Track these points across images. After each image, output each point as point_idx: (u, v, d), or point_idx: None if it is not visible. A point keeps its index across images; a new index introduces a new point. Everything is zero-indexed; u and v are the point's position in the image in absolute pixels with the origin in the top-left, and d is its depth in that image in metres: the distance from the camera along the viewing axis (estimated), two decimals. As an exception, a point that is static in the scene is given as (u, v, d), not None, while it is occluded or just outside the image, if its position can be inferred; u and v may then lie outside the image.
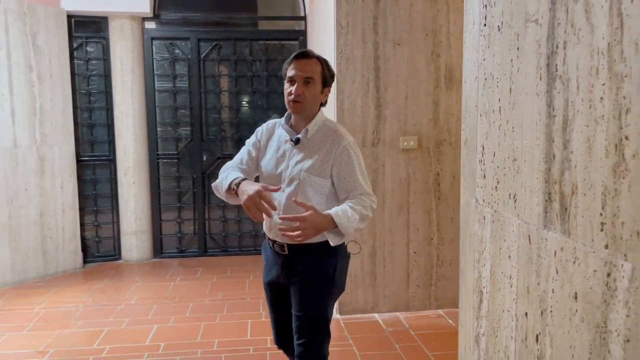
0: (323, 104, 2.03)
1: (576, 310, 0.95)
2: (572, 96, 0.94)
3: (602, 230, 0.87)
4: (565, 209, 0.97)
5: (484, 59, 1.30)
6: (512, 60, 1.16)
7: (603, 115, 0.86)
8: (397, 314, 3.69)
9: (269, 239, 2.05)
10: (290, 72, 1.93)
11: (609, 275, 0.85)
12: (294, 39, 5.19)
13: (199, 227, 5.23)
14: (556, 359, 1.02)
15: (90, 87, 4.94)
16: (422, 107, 3.61)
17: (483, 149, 1.33)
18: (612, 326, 0.85)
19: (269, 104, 5.23)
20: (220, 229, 5.28)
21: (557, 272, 1.00)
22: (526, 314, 1.13)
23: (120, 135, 4.93)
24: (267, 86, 5.20)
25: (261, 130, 2.11)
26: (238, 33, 5.19)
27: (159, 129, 5.12)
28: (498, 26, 1.22)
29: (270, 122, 2.12)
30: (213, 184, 2.05)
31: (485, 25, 1.29)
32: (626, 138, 0.81)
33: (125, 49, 4.84)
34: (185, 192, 5.22)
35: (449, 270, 3.72)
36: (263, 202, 1.77)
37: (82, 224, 4.91)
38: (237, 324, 3.48)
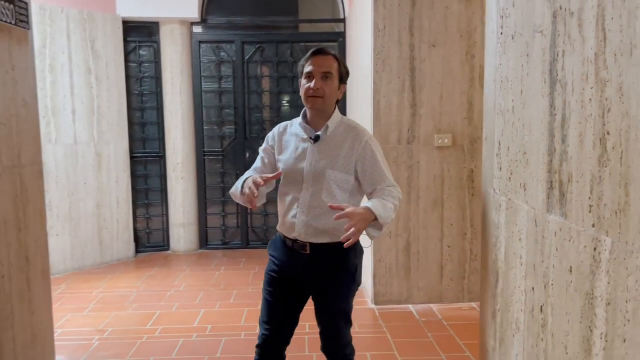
0: (338, 101, 2.04)
1: (571, 282, 1.10)
2: (569, 97, 1.10)
3: (590, 211, 1.02)
4: (563, 194, 1.13)
5: (500, 64, 1.46)
6: (522, 65, 1.32)
7: (591, 114, 1.01)
8: (431, 305, 3.83)
9: (287, 237, 2.03)
10: (308, 68, 1.93)
11: (595, 249, 1.01)
12: (334, 41, 5.38)
13: (241, 220, 5.50)
14: (556, 325, 1.17)
15: (142, 88, 5.28)
16: (456, 106, 3.74)
17: (499, 144, 1.48)
18: (597, 292, 1.00)
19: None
20: (262, 223, 5.54)
21: (557, 250, 1.16)
22: (533, 288, 1.28)
23: (169, 133, 5.24)
24: (308, 86, 5.41)
25: (272, 134, 2.11)
26: (280, 35, 5.43)
27: (205, 127, 5.41)
28: (512, 35, 1.38)
29: (281, 125, 2.12)
30: (230, 192, 2.07)
31: (501, 33, 1.45)
32: (608, 133, 0.96)
33: (174, 52, 5.15)
34: (229, 187, 5.47)
35: (482, 264, 3.83)
36: (252, 188, 1.79)
37: (134, 216, 5.26)
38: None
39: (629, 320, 0.91)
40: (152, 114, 5.31)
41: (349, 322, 2.10)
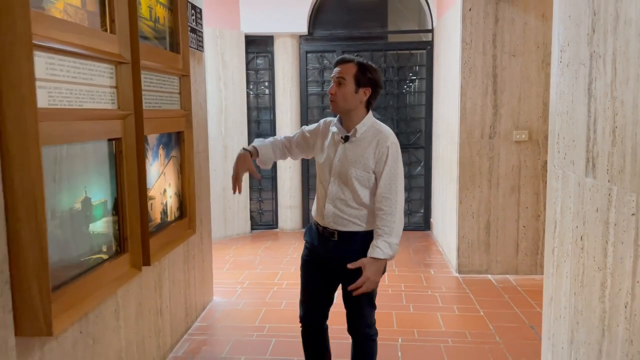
0: (369, 105, 2.23)
1: (597, 217, 1.83)
2: (598, 106, 1.82)
3: (607, 173, 1.75)
4: (594, 165, 1.85)
5: (559, 82, 2.19)
6: (573, 84, 2.04)
7: (608, 116, 1.74)
8: (507, 276, 4.50)
9: (319, 224, 2.28)
10: (331, 75, 2.20)
11: (609, 195, 1.74)
12: (422, 49, 6.12)
13: (338, 205, 6.36)
14: (589, 246, 1.90)
15: (258, 91, 6.28)
16: (533, 107, 4.38)
17: (558, 135, 2.21)
18: (610, 220, 1.73)
19: (399, 104, 6.22)
20: (356, 208, 6.37)
21: (590, 199, 1.89)
22: (577, 226, 2.01)
23: (280, 129, 6.21)
24: (398, 88, 6.19)
25: (318, 126, 2.36)
26: (374, 45, 6.23)
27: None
28: (567, 64, 2.11)
29: (326, 120, 2.35)
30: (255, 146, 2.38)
31: (560, 62, 2.17)
32: (616, 127, 1.69)
33: (286, 62, 6.10)
34: (328, 176, 6.38)
35: (554, 243, 4.44)
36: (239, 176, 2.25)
37: (249, 199, 6.28)
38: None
39: (624, 232, 1.64)
40: (266, 113, 6.31)
41: (372, 306, 2.31)
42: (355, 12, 6.31)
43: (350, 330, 2.35)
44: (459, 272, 4.56)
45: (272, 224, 6.45)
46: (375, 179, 2.19)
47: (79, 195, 1.95)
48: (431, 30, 6.04)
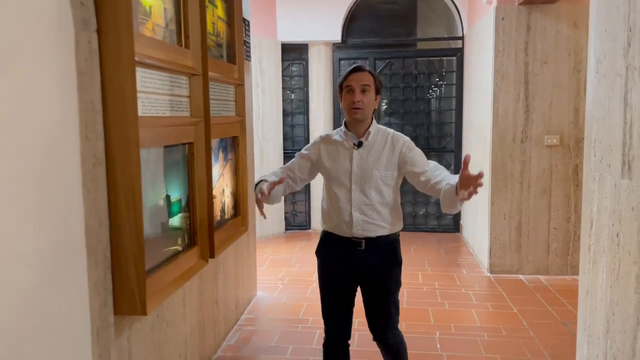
0: (375, 111, 2.30)
1: (633, 215, 2.00)
2: (634, 114, 2.00)
3: (642, 175, 1.93)
4: (630, 167, 2.03)
5: (596, 91, 2.36)
6: (609, 93, 2.22)
7: (643, 123, 1.92)
8: (538, 276, 4.64)
9: (341, 236, 2.26)
10: (349, 83, 2.20)
11: (644, 194, 1.91)
12: (452, 55, 6.29)
13: (369, 207, 6.56)
14: (625, 241, 2.07)
15: (293, 97, 6.52)
16: (564, 112, 4.52)
17: (595, 140, 2.39)
18: (645, 217, 1.90)
19: (429, 108, 6.40)
20: (387, 210, 6.56)
21: (626, 199, 2.06)
22: (613, 224, 2.18)
23: (313, 134, 6.44)
24: (428, 93, 6.37)
25: (315, 143, 2.40)
26: (406, 52, 6.43)
27: (341, 129, 6.54)
28: (604, 75, 2.28)
29: (324, 134, 2.42)
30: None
31: (597, 73, 2.35)
32: (651, 133, 1.86)
33: (320, 68, 6.34)
34: (359, 179, 6.58)
35: (584, 244, 4.57)
36: (260, 196, 2.22)
37: (284, 201, 6.51)
38: (411, 274, 4.71)
39: (659, 227, 1.81)
40: (300, 118, 6.55)
41: (397, 306, 2.36)
42: (386, 20, 6.51)
43: (378, 337, 2.37)
44: (491, 272, 4.71)
45: (305, 225, 6.67)
46: (407, 169, 2.26)
47: (162, 193, 2.20)
48: (461, 38, 6.21)
